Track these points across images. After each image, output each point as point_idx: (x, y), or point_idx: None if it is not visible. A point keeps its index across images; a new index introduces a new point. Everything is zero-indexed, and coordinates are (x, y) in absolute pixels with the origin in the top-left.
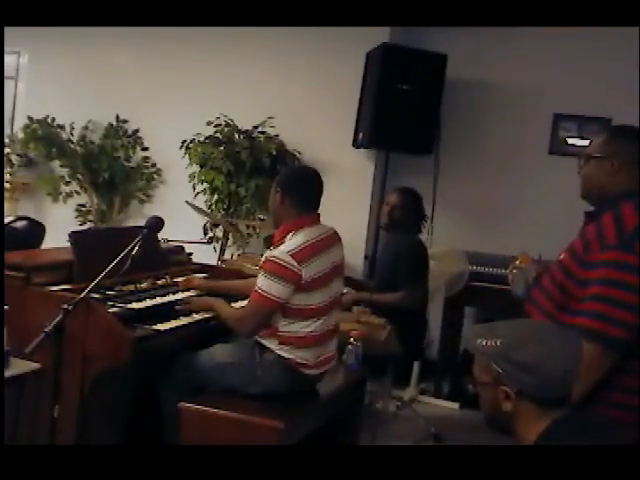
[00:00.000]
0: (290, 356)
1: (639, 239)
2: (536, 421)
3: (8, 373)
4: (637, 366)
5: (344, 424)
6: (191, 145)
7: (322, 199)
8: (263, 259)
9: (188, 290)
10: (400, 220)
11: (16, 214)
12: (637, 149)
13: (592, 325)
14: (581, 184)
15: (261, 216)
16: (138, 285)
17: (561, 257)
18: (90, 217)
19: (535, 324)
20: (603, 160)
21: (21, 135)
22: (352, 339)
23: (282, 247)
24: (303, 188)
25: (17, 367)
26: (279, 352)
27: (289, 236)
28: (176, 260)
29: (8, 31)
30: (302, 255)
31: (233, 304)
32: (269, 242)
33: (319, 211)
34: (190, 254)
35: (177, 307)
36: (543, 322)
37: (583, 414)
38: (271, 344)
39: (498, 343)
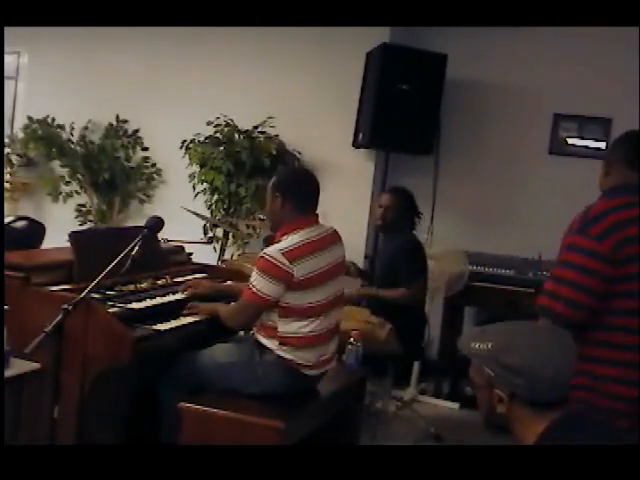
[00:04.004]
0: (290, 357)
1: (595, 224)
2: (532, 423)
3: (8, 373)
4: (599, 337)
5: (344, 424)
6: (191, 145)
7: (322, 199)
8: (258, 256)
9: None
10: (395, 221)
11: (16, 214)
12: (625, 149)
13: (543, 302)
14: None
15: (261, 216)
16: (138, 285)
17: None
18: (90, 217)
19: (526, 327)
20: (604, 163)
21: (21, 135)
22: (352, 339)
23: (276, 245)
24: (301, 190)
25: (17, 367)
26: (279, 352)
27: (286, 236)
28: (176, 260)
29: (8, 31)
30: (294, 254)
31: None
32: (269, 242)
33: (318, 211)
34: (190, 254)
35: (184, 312)
36: (534, 324)
37: (583, 415)
38: (271, 344)
39: (489, 346)
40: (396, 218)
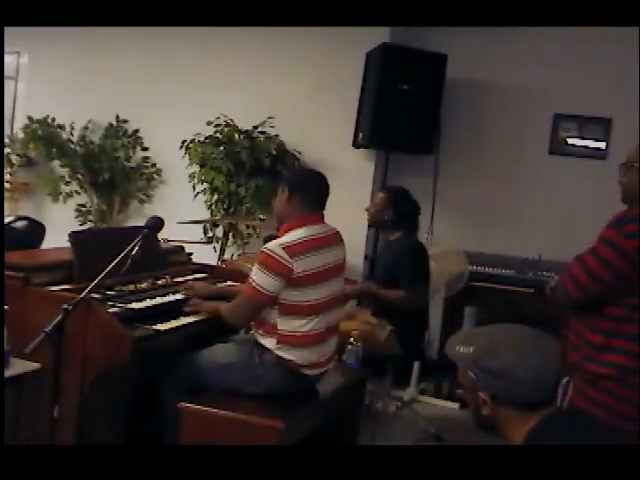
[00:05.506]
0: (289, 357)
1: (633, 222)
2: (518, 423)
3: (8, 373)
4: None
5: (344, 424)
6: (191, 145)
7: (326, 201)
8: (259, 251)
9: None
10: (382, 220)
11: (16, 214)
12: None
13: (562, 277)
14: (621, 191)
15: (261, 216)
16: (138, 285)
17: None
18: (90, 217)
19: (509, 330)
20: (635, 167)
21: (21, 135)
22: (352, 339)
23: (277, 240)
24: (310, 188)
25: (17, 367)
26: (278, 352)
27: (289, 231)
28: (176, 260)
29: (8, 31)
30: (295, 249)
31: None
32: (269, 242)
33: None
34: (190, 254)
35: (185, 309)
36: (518, 328)
37: (570, 411)
38: (270, 344)
39: (471, 350)
40: (384, 217)
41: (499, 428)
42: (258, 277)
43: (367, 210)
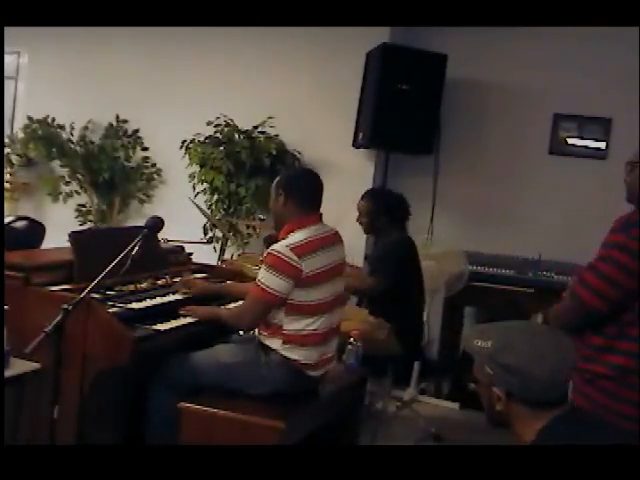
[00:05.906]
0: (294, 356)
1: (637, 226)
2: (530, 421)
3: (8, 373)
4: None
5: (344, 424)
6: (191, 145)
7: (322, 199)
8: (265, 253)
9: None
10: (370, 226)
11: (16, 214)
12: None
13: (574, 288)
14: (626, 190)
15: (261, 216)
16: (138, 285)
17: None
18: (90, 217)
19: (526, 327)
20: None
21: (21, 135)
22: (352, 339)
23: (283, 242)
24: (304, 189)
25: (17, 367)
26: (283, 352)
27: (291, 233)
28: (176, 260)
29: (8, 31)
30: (302, 250)
31: (227, 306)
32: (269, 242)
33: (321, 211)
34: (190, 254)
35: (181, 312)
36: (535, 325)
37: (581, 412)
38: (275, 344)
39: (489, 345)
40: (371, 223)
41: (511, 424)
42: (267, 279)
43: (358, 222)
